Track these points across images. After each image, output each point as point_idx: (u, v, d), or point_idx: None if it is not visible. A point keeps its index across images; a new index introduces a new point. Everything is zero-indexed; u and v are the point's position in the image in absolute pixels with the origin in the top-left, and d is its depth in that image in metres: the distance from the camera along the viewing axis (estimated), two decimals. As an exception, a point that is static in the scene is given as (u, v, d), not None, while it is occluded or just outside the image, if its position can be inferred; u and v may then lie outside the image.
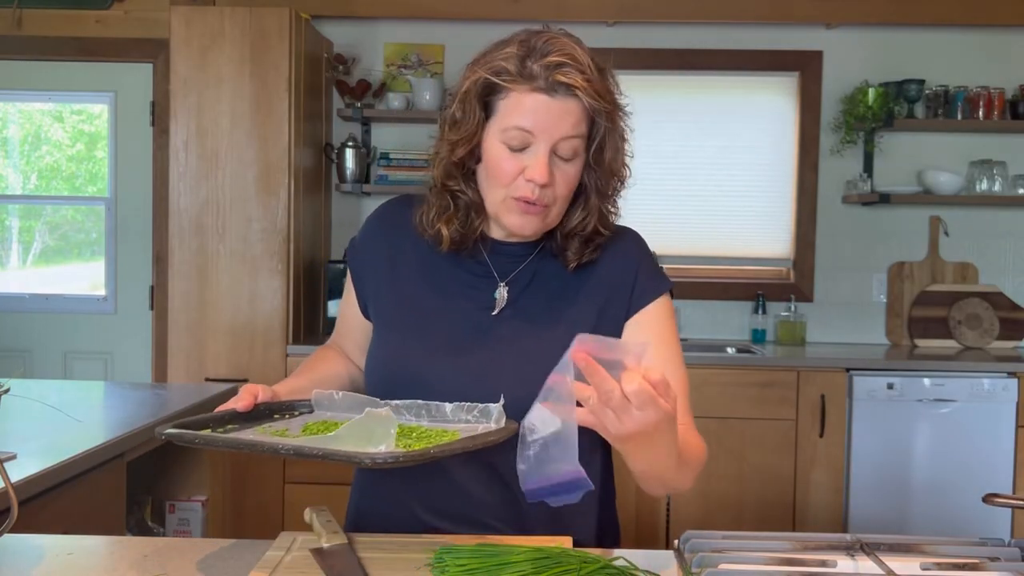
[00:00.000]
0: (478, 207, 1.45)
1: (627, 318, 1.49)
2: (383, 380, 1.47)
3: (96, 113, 5.73)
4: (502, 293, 1.48)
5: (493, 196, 1.42)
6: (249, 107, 3.85)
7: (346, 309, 1.64)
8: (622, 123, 1.43)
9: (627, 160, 1.46)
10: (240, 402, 1.34)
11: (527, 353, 1.43)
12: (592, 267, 1.50)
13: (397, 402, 1.36)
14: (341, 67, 4.36)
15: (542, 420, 1.14)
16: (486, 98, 1.38)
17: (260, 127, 3.86)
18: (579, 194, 1.44)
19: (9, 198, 5.76)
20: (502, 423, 1.30)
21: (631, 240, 1.55)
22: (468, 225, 1.46)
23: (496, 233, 1.50)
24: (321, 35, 4.28)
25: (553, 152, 1.36)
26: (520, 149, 1.37)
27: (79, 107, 5.78)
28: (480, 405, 1.33)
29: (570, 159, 1.38)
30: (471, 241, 1.47)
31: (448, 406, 1.35)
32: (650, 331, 1.48)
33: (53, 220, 5.84)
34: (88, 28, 4.38)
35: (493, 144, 1.39)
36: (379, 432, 1.20)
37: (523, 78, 1.34)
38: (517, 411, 1.24)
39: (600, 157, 1.41)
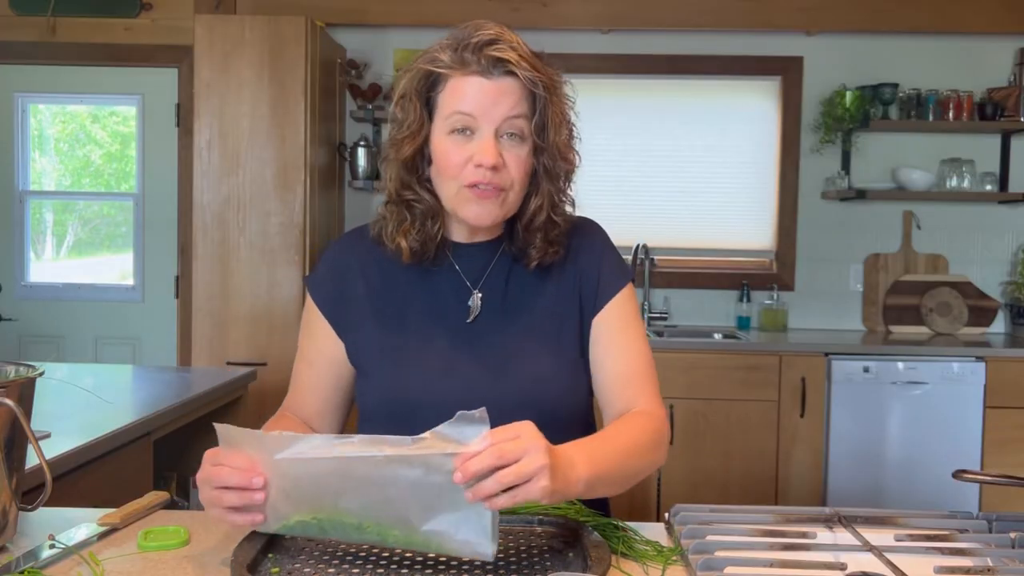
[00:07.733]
0: (435, 212, 1.37)
1: (595, 314, 1.43)
2: (390, 415, 1.37)
3: (129, 115, 5.72)
4: (476, 301, 1.41)
5: (447, 191, 1.34)
6: (268, 109, 3.84)
7: (305, 365, 1.47)
8: (563, 102, 1.36)
9: (575, 145, 1.39)
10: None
11: (509, 359, 1.37)
12: (560, 266, 1.43)
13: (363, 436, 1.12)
14: (353, 72, 4.34)
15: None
16: (428, 94, 1.33)
17: (278, 128, 3.84)
18: (532, 181, 1.36)
19: (45, 194, 5.76)
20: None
21: (593, 233, 1.48)
22: (426, 233, 1.38)
23: (457, 236, 1.43)
24: (335, 42, 4.26)
25: (500, 136, 1.30)
26: (465, 134, 1.30)
27: (112, 109, 5.77)
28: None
29: (517, 141, 1.31)
30: (432, 248, 1.39)
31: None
32: (615, 323, 1.42)
33: (85, 215, 5.84)
34: (117, 35, 4.36)
35: (440, 139, 1.32)
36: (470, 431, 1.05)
37: (458, 64, 1.30)
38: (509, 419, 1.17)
39: (544, 135, 1.33)
